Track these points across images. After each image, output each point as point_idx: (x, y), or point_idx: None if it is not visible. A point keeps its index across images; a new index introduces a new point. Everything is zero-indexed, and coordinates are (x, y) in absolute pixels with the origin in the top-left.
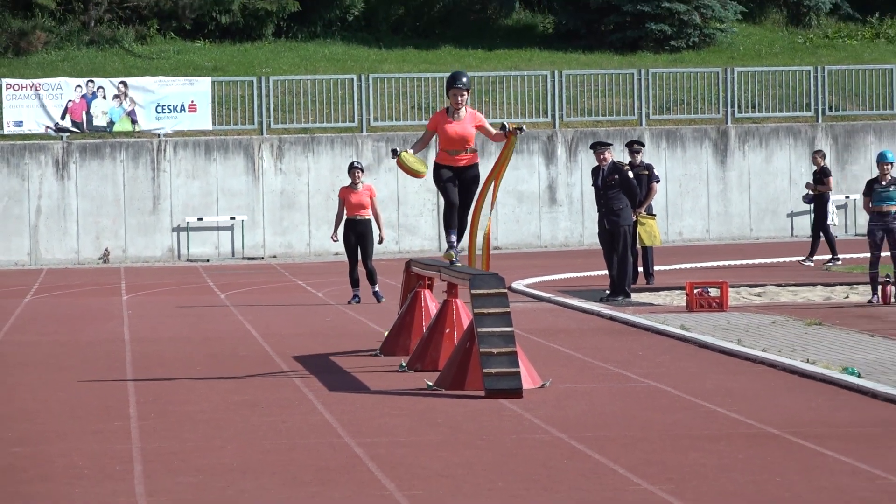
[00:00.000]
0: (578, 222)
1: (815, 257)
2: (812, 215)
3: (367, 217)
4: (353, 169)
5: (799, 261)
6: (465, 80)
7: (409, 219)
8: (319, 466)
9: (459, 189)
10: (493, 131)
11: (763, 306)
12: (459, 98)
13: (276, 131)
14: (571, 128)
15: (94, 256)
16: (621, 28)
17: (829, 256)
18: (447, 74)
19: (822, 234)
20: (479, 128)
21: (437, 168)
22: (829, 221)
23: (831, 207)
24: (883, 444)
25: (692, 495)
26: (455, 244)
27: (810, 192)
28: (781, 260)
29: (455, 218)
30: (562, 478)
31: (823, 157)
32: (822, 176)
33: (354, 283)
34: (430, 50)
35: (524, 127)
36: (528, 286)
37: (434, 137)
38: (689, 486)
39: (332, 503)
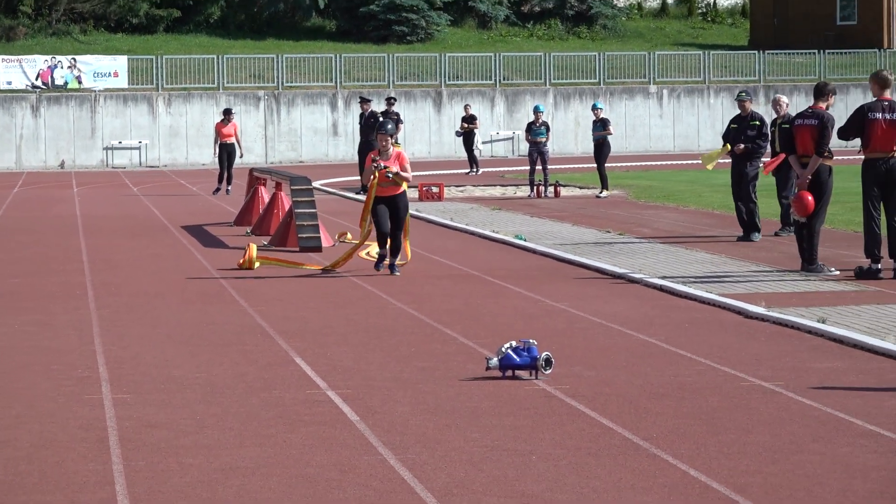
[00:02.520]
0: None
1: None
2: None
3: (231, 141)
4: (227, 113)
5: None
6: (388, 127)
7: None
8: (199, 291)
9: (390, 212)
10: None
11: (465, 198)
12: (384, 142)
13: (167, 89)
14: (346, 88)
15: (54, 165)
16: (377, 28)
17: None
18: (272, 55)
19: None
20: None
21: (375, 198)
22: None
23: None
24: (538, 280)
25: (426, 312)
26: (384, 254)
27: (459, 131)
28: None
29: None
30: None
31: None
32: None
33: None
34: (260, 41)
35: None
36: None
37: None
38: (425, 306)
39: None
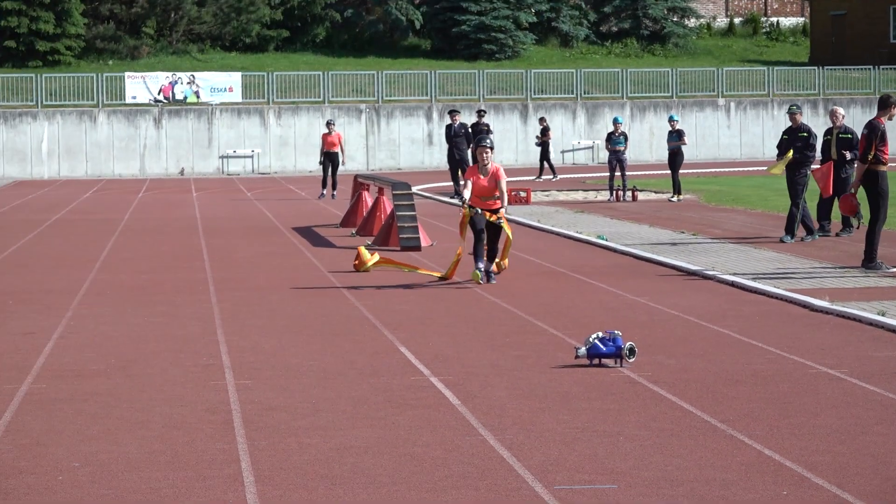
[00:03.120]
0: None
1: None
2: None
3: (335, 150)
4: (329, 124)
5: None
6: (487, 141)
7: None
8: (310, 286)
9: (487, 226)
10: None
11: (550, 202)
12: (483, 155)
13: (277, 102)
14: (440, 102)
15: (175, 172)
16: (468, 47)
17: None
18: (372, 72)
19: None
20: (497, 181)
21: (472, 207)
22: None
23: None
24: (620, 277)
25: (507, 298)
26: (481, 268)
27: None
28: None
29: (482, 249)
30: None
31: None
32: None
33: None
34: (362, 59)
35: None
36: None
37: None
38: (516, 300)
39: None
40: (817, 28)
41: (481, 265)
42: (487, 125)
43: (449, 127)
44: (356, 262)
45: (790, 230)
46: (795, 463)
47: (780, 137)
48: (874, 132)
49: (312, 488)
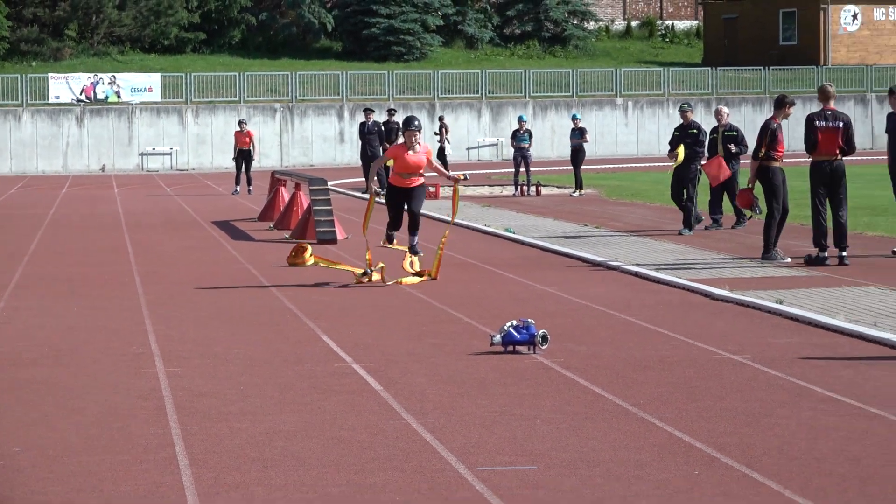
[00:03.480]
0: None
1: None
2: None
3: (247, 147)
4: (241, 123)
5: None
6: (416, 123)
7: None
8: (232, 278)
9: (408, 200)
10: (441, 170)
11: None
12: (413, 138)
13: (195, 102)
14: (351, 101)
15: (96, 169)
16: (378, 49)
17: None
18: (286, 73)
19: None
20: (428, 160)
21: (391, 187)
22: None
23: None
24: (528, 268)
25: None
26: (393, 238)
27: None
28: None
29: (398, 224)
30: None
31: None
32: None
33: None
34: (276, 60)
35: (467, 176)
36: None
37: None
38: (431, 291)
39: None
40: (710, 31)
41: (393, 233)
42: (398, 123)
43: (363, 125)
44: (292, 255)
45: (688, 223)
46: (705, 444)
47: (671, 134)
48: (764, 131)
49: (245, 471)
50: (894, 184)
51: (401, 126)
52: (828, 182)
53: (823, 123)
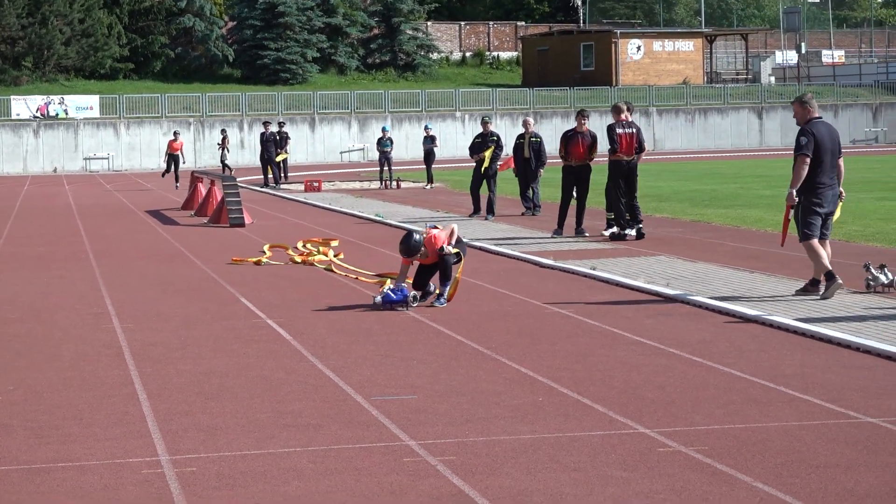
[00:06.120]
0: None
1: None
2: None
3: (177, 153)
4: (176, 134)
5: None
6: (414, 240)
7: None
8: (166, 254)
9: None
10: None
11: (335, 190)
12: (420, 253)
13: (126, 117)
14: (249, 116)
15: (49, 170)
16: (269, 75)
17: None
18: (198, 94)
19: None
20: (448, 240)
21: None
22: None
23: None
24: (396, 245)
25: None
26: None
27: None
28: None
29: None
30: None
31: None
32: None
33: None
34: (189, 84)
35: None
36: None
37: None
38: (323, 263)
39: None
40: (527, 59)
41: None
42: (286, 133)
43: (262, 134)
44: (305, 256)
45: (486, 209)
46: (545, 377)
47: (472, 140)
48: (562, 137)
49: (191, 402)
50: None
51: (400, 248)
52: (625, 176)
53: (622, 130)
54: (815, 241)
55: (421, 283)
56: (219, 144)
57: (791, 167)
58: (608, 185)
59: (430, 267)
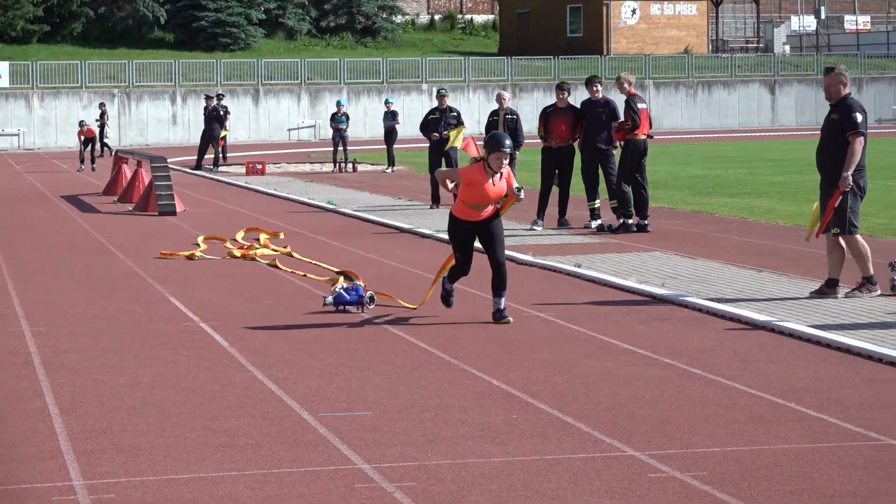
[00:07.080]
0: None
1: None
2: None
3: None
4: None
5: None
6: (508, 143)
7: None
8: (85, 247)
9: (484, 239)
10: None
11: (282, 173)
12: (504, 161)
13: (40, 87)
14: (182, 87)
15: None
16: (206, 39)
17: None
18: (124, 61)
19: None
20: (508, 185)
21: (455, 220)
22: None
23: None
24: (351, 236)
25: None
26: (452, 294)
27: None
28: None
29: (467, 268)
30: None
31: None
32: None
33: None
34: (114, 49)
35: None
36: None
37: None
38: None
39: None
40: (505, 24)
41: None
42: (226, 107)
43: (206, 108)
44: (246, 249)
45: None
46: (521, 391)
47: (425, 116)
48: (540, 115)
49: (110, 418)
50: None
51: (485, 144)
52: (640, 158)
53: (642, 105)
54: (860, 236)
55: (463, 263)
56: (97, 120)
57: (816, 150)
58: (604, 169)
59: (473, 231)
